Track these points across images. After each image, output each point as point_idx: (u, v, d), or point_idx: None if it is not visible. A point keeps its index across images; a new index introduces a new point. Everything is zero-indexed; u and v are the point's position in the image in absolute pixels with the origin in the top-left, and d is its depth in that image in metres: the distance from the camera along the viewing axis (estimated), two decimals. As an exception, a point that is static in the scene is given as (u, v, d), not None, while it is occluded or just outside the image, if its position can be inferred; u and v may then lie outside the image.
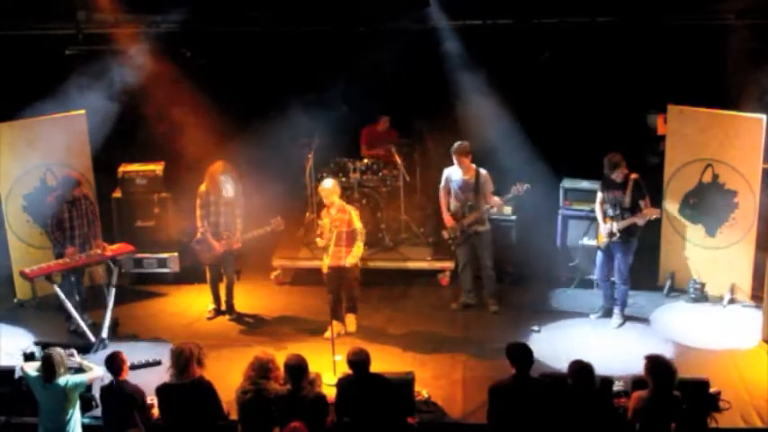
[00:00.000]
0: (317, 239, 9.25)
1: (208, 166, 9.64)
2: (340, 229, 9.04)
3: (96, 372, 7.35)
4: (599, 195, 9.26)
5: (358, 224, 9.14)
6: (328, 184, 9.21)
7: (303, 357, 6.98)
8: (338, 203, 9.18)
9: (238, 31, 11.15)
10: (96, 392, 7.46)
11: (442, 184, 9.67)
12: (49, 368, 7.04)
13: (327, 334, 8.93)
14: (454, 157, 9.45)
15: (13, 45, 10.70)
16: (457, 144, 9.45)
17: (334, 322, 8.91)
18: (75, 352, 7.84)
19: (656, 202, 9.56)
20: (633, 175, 9.05)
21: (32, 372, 7.15)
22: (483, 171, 9.47)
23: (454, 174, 9.55)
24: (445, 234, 9.71)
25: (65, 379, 7.07)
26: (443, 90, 11.31)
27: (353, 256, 9.10)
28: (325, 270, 9.04)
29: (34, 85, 10.66)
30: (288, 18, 11.03)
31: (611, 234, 9.08)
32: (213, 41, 11.21)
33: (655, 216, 9.11)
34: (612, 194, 9.10)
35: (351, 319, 9.40)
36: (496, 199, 9.42)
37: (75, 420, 7.13)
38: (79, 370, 7.42)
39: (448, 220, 9.62)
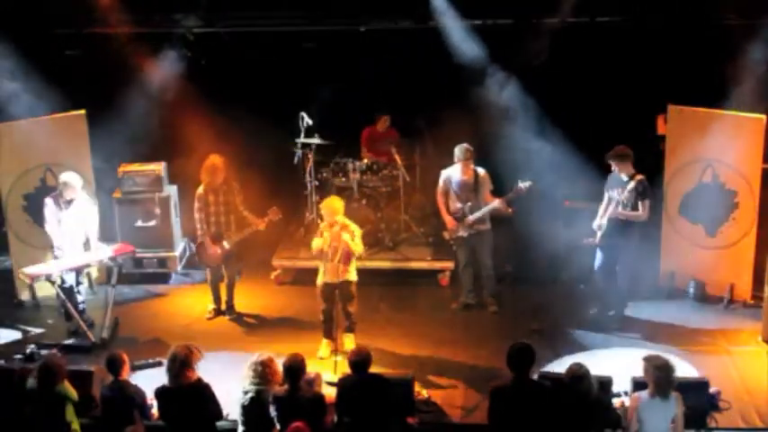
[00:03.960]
0: (315, 240, 8.72)
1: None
2: (342, 247, 8.56)
3: (75, 396, 7.21)
4: (605, 196, 9.17)
5: (360, 248, 8.68)
6: (334, 203, 8.67)
7: (301, 358, 6.98)
8: (341, 221, 8.65)
9: (239, 31, 11.15)
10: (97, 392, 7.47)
11: (440, 185, 9.62)
12: (48, 376, 7.00)
13: (321, 353, 8.80)
14: (458, 161, 9.40)
15: (14, 44, 10.69)
16: (462, 147, 9.38)
17: (327, 341, 8.80)
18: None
19: (656, 201, 9.54)
20: (638, 176, 8.96)
21: (29, 382, 7.07)
22: (481, 170, 9.44)
23: (454, 175, 9.54)
24: (446, 235, 9.69)
25: (62, 387, 7.04)
26: (444, 89, 11.30)
27: (356, 244, 8.64)
28: (320, 284, 8.78)
29: (34, 86, 10.67)
30: (290, 18, 11.04)
31: (599, 227, 9.04)
32: (214, 42, 11.21)
33: (634, 217, 8.90)
34: (614, 191, 9.03)
35: (350, 338, 8.90)
36: (496, 199, 9.33)
37: (75, 423, 7.12)
38: None
39: (449, 221, 9.57)
